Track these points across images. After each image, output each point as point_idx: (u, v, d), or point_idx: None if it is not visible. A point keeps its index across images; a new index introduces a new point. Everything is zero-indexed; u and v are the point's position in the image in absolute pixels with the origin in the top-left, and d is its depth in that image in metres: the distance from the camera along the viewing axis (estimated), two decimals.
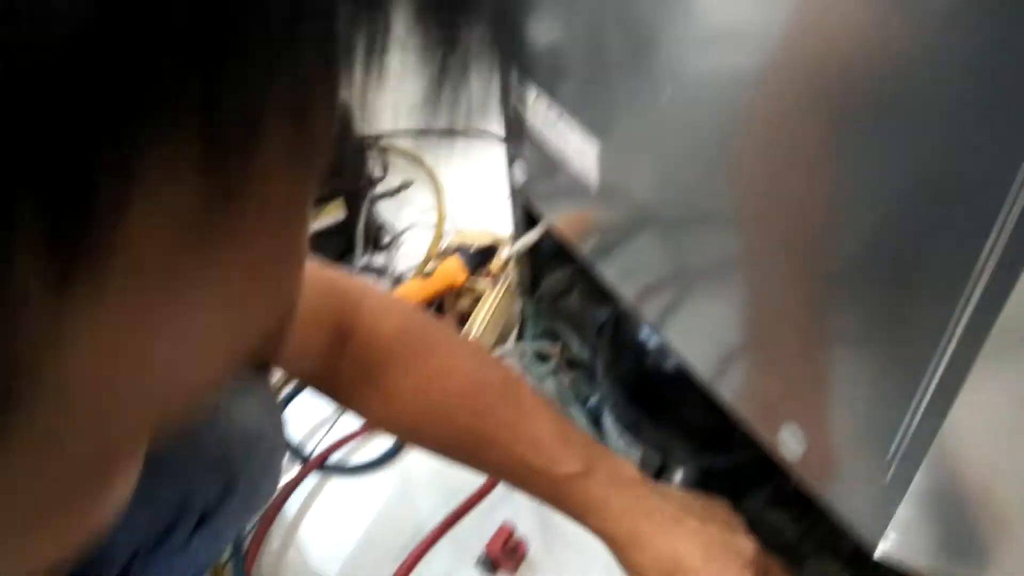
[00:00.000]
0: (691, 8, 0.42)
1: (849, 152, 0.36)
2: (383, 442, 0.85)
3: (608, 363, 0.70)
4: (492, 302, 0.89)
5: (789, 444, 0.46)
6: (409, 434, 0.54)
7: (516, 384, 0.53)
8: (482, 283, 0.92)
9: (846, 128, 0.36)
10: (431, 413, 0.51)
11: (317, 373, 0.51)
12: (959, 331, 0.33)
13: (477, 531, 0.76)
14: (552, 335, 0.88)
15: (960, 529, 0.40)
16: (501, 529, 0.75)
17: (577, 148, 0.58)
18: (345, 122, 0.18)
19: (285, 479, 0.81)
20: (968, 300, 0.32)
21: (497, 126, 0.76)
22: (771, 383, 0.48)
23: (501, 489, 0.80)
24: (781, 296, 0.44)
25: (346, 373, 0.50)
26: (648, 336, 0.66)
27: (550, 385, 0.85)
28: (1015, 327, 0.31)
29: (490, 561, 0.74)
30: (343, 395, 0.52)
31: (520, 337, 0.90)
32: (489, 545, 0.74)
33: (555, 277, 0.89)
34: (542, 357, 0.87)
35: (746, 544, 0.51)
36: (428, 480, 0.81)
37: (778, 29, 0.37)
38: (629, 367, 0.68)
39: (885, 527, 0.41)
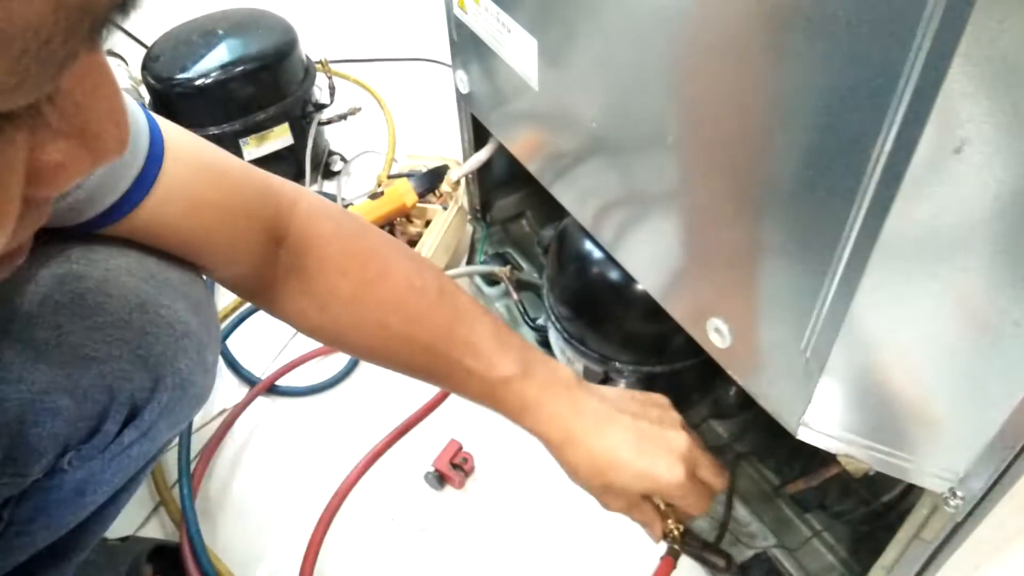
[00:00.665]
0: None
1: (765, 72, 0.36)
2: (330, 366, 0.85)
3: (552, 279, 0.70)
4: (442, 225, 0.88)
5: (717, 336, 0.47)
6: (344, 341, 0.53)
7: (452, 290, 0.53)
8: (432, 206, 0.91)
9: (768, 48, 0.36)
10: (366, 318, 0.51)
11: (250, 280, 0.50)
12: (856, 228, 0.35)
13: (425, 448, 0.77)
14: (502, 259, 0.87)
15: (871, 409, 0.42)
16: (449, 445, 0.76)
17: (516, 48, 0.57)
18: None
19: (233, 402, 0.81)
20: (861, 201, 0.34)
21: (443, 53, 0.74)
22: (698, 282, 0.48)
23: (449, 406, 0.81)
24: (707, 205, 0.45)
25: (280, 279, 0.49)
26: (590, 251, 0.66)
27: (500, 307, 0.85)
28: (901, 229, 0.33)
29: (438, 475, 0.75)
30: (278, 303, 0.51)
31: (471, 260, 0.90)
32: (437, 460, 0.75)
33: (505, 202, 0.89)
34: (493, 280, 0.87)
35: (678, 437, 0.52)
36: (375, 402, 0.82)
37: None
38: (572, 281, 0.68)
39: (805, 409, 0.43)
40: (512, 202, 0.89)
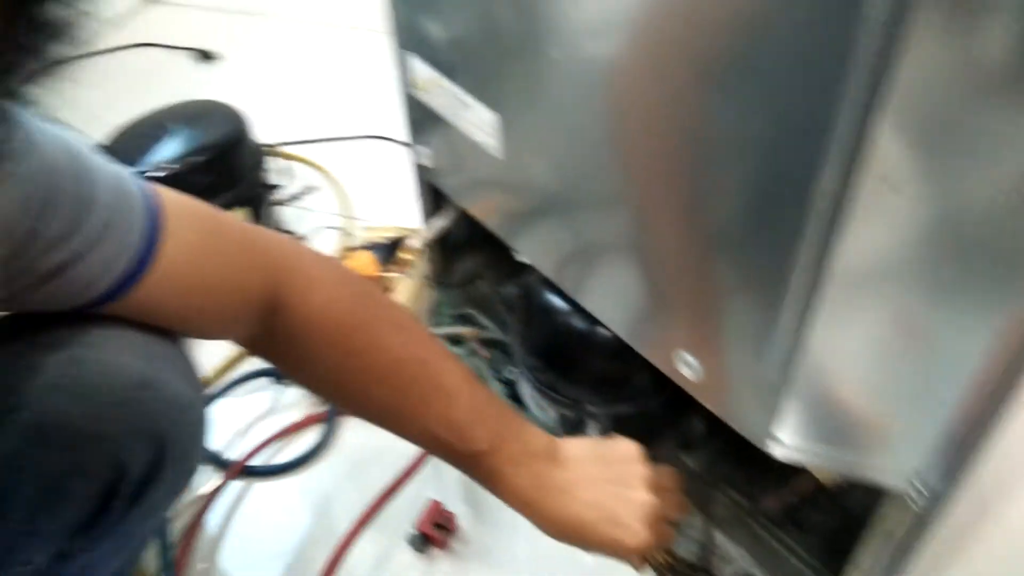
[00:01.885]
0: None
1: (703, 124, 0.41)
2: (303, 442, 0.86)
3: (521, 333, 0.74)
4: (405, 292, 0.91)
5: (687, 369, 0.51)
6: (332, 400, 0.56)
7: (438, 363, 0.55)
8: (393, 275, 0.94)
9: (704, 102, 0.40)
10: (350, 386, 0.53)
11: (242, 341, 0.52)
12: (804, 262, 0.39)
13: (407, 511, 0.77)
14: (464, 319, 0.91)
15: (833, 419, 0.46)
16: (431, 506, 0.77)
17: (476, 121, 0.61)
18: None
19: (205, 485, 0.81)
20: (807, 237, 0.38)
21: (392, 129, 0.79)
22: (663, 320, 0.52)
23: (428, 469, 0.82)
24: (663, 250, 0.49)
25: (271, 342, 0.51)
26: (556, 302, 0.70)
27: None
28: (847, 259, 0.38)
29: (423, 537, 0.75)
30: (270, 359, 0.54)
31: (434, 323, 0.93)
32: (420, 523, 0.76)
33: (464, 265, 0.93)
34: (456, 340, 0.90)
35: (642, 499, 0.54)
36: (352, 474, 0.82)
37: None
38: (540, 333, 0.72)
39: (773, 426, 0.47)
40: (470, 264, 0.93)
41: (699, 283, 0.48)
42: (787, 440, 0.47)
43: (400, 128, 0.77)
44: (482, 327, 0.90)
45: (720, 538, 0.70)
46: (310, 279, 0.51)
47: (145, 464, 0.43)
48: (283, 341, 0.51)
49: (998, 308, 0.37)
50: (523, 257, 0.65)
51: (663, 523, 0.56)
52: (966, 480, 0.45)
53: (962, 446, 0.43)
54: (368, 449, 0.84)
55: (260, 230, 0.51)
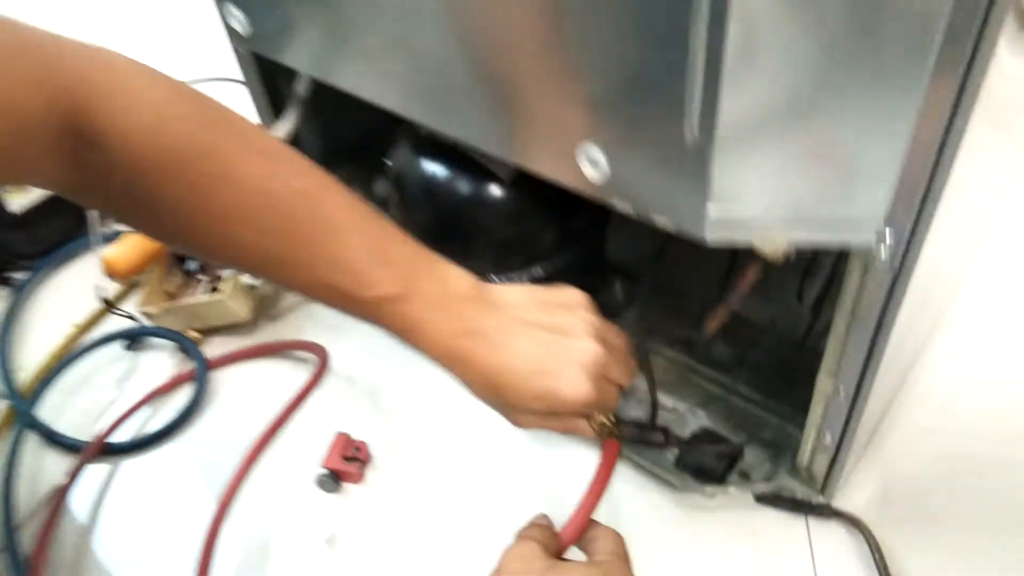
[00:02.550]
0: None
1: None
2: (174, 405, 0.72)
3: (406, 224, 0.63)
4: None
5: (592, 169, 0.42)
6: (192, 250, 0.44)
7: (323, 196, 0.44)
8: None
9: None
10: (208, 228, 0.42)
11: (61, 186, 0.40)
12: None
13: (312, 451, 0.66)
14: None
15: (776, 176, 0.38)
16: (336, 439, 0.66)
17: None
18: None
19: (61, 478, 0.66)
20: None
21: (229, 70, 0.67)
22: (559, 114, 0.43)
23: (322, 398, 0.71)
24: (537, 36, 0.40)
25: (98, 183, 0.39)
26: (432, 176, 0.59)
27: None
28: None
29: (333, 475, 0.64)
30: (105, 208, 0.42)
31: None
32: (327, 459, 0.65)
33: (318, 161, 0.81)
34: None
35: (584, 346, 0.46)
36: (234, 429, 0.70)
37: None
38: (425, 215, 0.62)
39: (708, 206, 0.38)
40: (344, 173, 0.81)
41: (595, 54, 0.38)
42: (728, 218, 0.39)
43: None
44: None
45: (668, 400, 0.63)
46: (128, 95, 0.39)
47: None
48: (104, 179, 0.39)
49: None
50: (375, 98, 0.54)
51: (608, 380, 0.48)
52: (932, 219, 0.38)
53: (924, 178, 0.36)
54: (248, 398, 0.72)
55: (48, 33, 0.38)
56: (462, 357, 0.45)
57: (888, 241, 0.38)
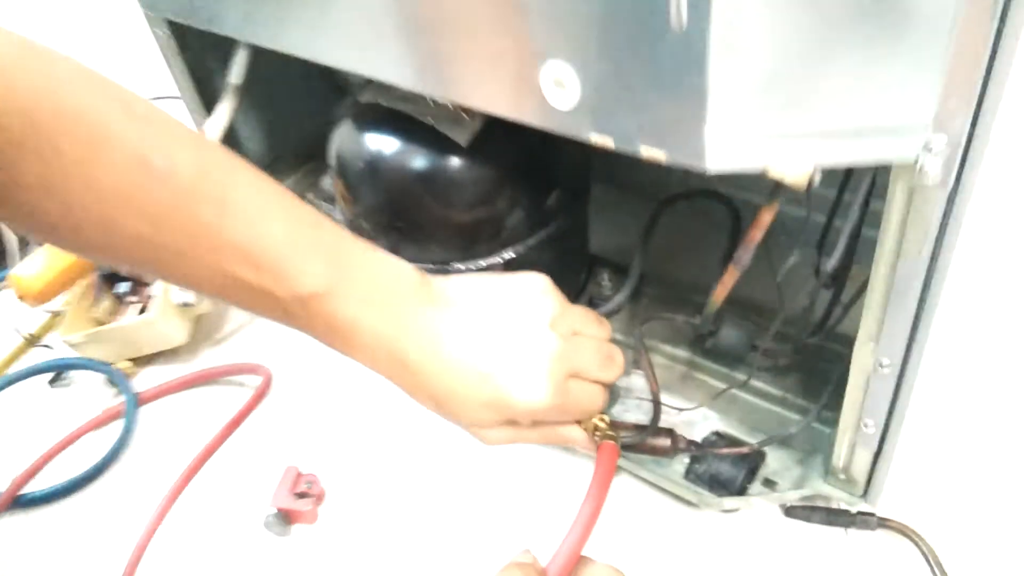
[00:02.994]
0: None
1: None
2: (99, 446, 0.62)
3: (357, 214, 0.54)
4: None
5: (559, 92, 0.34)
6: (60, 242, 0.35)
7: (224, 170, 0.35)
8: None
9: None
10: (78, 213, 0.32)
11: None
12: None
13: (254, 485, 0.56)
14: None
15: (791, 83, 0.30)
16: (285, 474, 0.56)
17: None
18: None
19: None
20: None
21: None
22: (522, 29, 0.34)
23: (268, 425, 0.61)
24: None
25: None
26: (380, 155, 0.51)
27: None
28: None
29: (282, 516, 0.54)
30: None
31: None
32: (276, 498, 0.55)
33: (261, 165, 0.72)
34: None
35: (542, 341, 0.39)
36: (167, 467, 0.60)
37: None
38: (377, 200, 0.53)
39: (706, 127, 0.30)
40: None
41: None
42: (732, 140, 0.30)
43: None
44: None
45: (674, 402, 0.54)
46: None
47: None
48: None
49: None
50: (295, 49, 0.45)
51: (579, 377, 0.40)
52: (999, 111, 0.30)
53: (983, 62, 0.28)
54: (184, 433, 0.62)
55: None
56: (401, 364, 0.38)
57: (938, 148, 0.30)
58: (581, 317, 0.42)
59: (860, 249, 0.42)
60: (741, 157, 0.31)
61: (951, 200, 0.31)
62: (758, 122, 0.30)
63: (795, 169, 0.31)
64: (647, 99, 0.31)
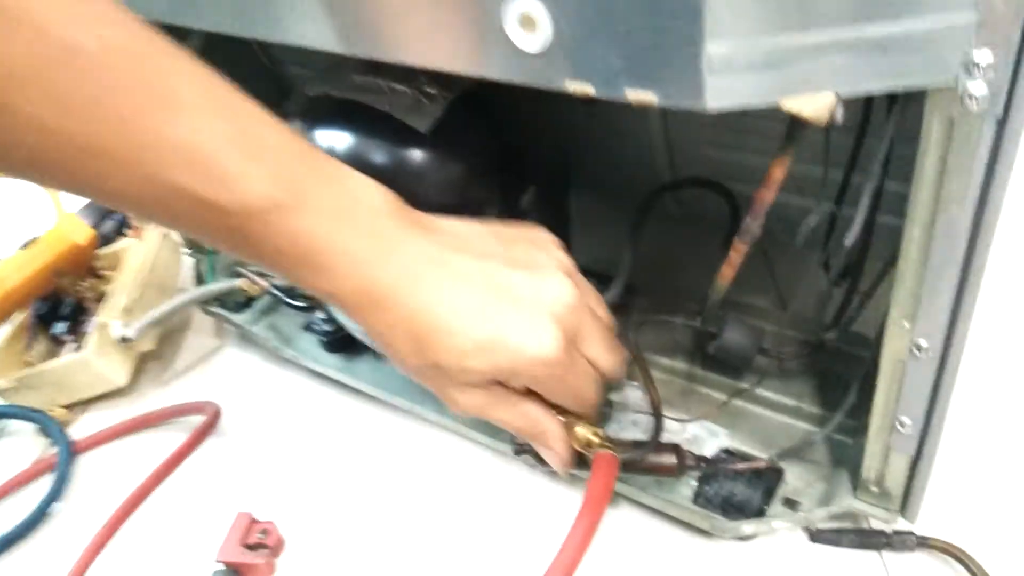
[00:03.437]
0: None
1: None
2: (28, 501, 0.55)
3: None
4: (144, 260, 0.63)
5: (525, 35, 0.29)
6: None
7: (159, 56, 0.28)
8: (123, 244, 0.66)
9: None
10: None
11: None
12: None
13: (200, 536, 0.49)
14: (241, 274, 0.64)
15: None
16: (236, 521, 0.49)
17: None
18: None
19: None
20: None
21: None
22: None
23: (217, 467, 0.54)
24: None
25: None
26: (326, 150, 0.46)
27: (261, 330, 0.61)
28: None
29: (230, 572, 0.47)
30: None
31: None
32: (223, 549, 0.48)
33: None
34: (241, 303, 0.63)
35: (553, 286, 0.33)
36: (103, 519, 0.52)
37: None
38: None
39: (704, 54, 0.25)
40: None
41: None
42: (735, 72, 0.25)
43: None
44: (266, 274, 0.63)
45: (675, 416, 0.48)
46: None
47: None
48: None
49: None
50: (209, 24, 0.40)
51: (580, 351, 0.34)
52: None
53: None
54: (123, 483, 0.55)
55: None
56: (378, 295, 0.31)
57: (983, 66, 0.24)
58: (589, 289, 0.36)
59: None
60: (747, 90, 0.26)
61: (1000, 134, 0.26)
62: (765, 39, 0.25)
63: (812, 102, 0.26)
64: (631, 26, 0.26)
